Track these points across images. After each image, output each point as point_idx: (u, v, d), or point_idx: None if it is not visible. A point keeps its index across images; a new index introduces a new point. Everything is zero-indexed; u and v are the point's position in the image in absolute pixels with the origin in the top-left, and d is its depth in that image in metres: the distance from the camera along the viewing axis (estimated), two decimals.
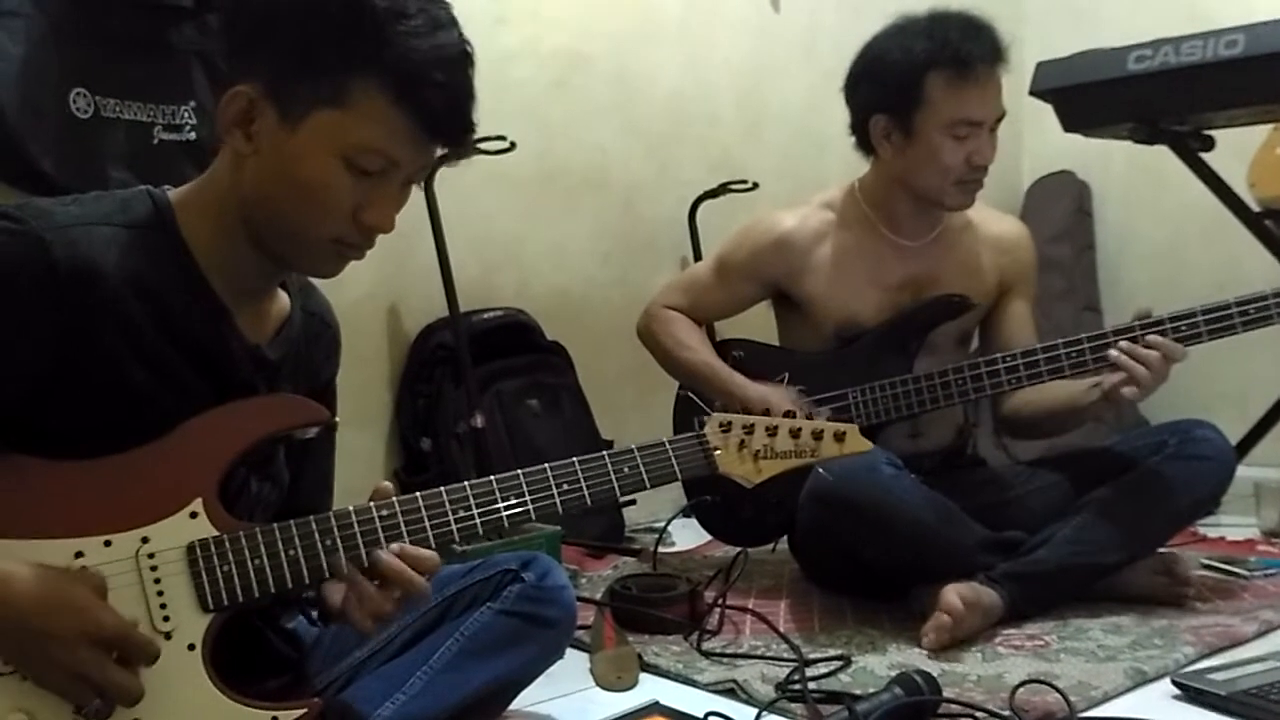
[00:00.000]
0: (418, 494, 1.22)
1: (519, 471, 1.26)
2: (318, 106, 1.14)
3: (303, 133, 1.15)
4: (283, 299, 1.32)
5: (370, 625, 1.18)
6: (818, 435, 1.38)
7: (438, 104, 1.16)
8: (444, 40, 1.16)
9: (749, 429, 1.36)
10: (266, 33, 1.15)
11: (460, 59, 1.18)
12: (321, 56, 1.13)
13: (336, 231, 1.19)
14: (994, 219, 2.29)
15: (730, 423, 1.36)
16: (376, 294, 2.62)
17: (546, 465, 1.27)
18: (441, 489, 1.23)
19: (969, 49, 2.02)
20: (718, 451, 1.35)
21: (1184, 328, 1.96)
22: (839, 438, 1.39)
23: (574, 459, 1.28)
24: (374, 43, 1.12)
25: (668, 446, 1.33)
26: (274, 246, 1.21)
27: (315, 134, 1.14)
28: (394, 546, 1.18)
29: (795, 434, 1.37)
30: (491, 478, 1.25)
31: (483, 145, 2.41)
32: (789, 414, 1.39)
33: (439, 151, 1.21)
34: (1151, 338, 1.93)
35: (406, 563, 1.18)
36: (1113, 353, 1.94)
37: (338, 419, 1.33)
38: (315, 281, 1.39)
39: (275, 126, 1.15)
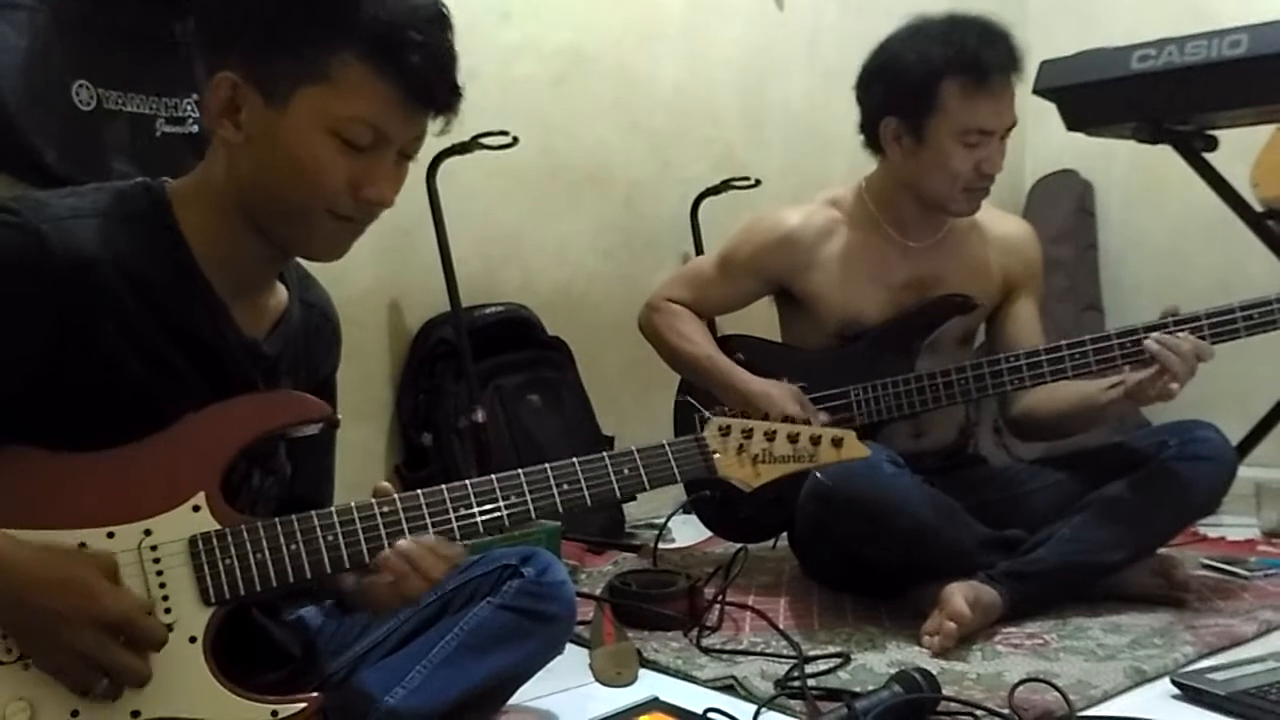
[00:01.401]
0: (419, 492, 1.22)
1: (519, 471, 1.27)
2: (301, 84, 1.14)
3: (290, 113, 1.14)
4: (281, 292, 1.32)
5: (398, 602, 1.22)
6: (816, 440, 1.38)
7: (419, 66, 1.15)
8: (418, 1, 1.16)
9: (748, 433, 1.36)
10: (240, 17, 1.15)
11: (437, 19, 1.18)
12: (297, 33, 1.13)
13: (334, 204, 1.18)
14: (999, 219, 2.28)
15: (729, 426, 1.36)
16: (378, 289, 2.62)
17: (547, 465, 1.28)
18: (443, 487, 1.23)
19: (986, 57, 2.00)
20: (716, 455, 1.35)
21: (1188, 332, 1.95)
22: (836, 443, 1.39)
23: (574, 459, 1.29)
24: (348, 12, 1.12)
25: (667, 449, 1.33)
26: (276, 230, 1.21)
27: (302, 112, 1.14)
28: (426, 538, 1.20)
29: (793, 439, 1.37)
30: (492, 476, 1.25)
31: (485, 140, 2.42)
32: (788, 418, 1.39)
33: (429, 118, 1.21)
34: (1182, 335, 1.92)
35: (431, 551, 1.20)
36: (1150, 344, 1.92)
37: (339, 414, 1.33)
38: (317, 272, 1.38)
39: (262, 110, 1.15)
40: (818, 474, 1.85)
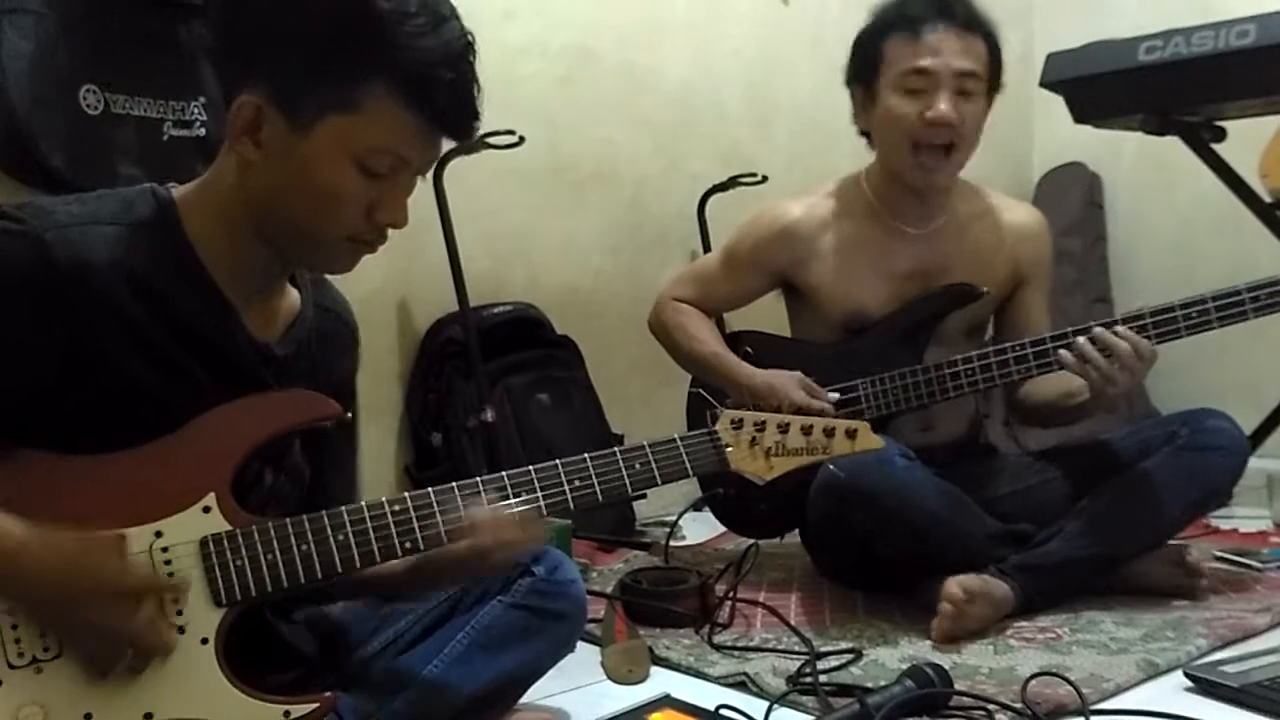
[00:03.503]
0: (429, 489, 1.22)
1: (531, 467, 1.27)
2: (327, 112, 1.14)
3: (313, 138, 1.14)
4: (293, 296, 1.32)
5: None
6: (829, 432, 1.38)
7: (447, 101, 1.16)
8: (448, 35, 1.16)
9: (760, 426, 1.36)
10: (269, 41, 1.14)
11: (464, 51, 1.18)
12: (328, 63, 1.13)
13: (352, 230, 1.19)
14: (1009, 206, 2.26)
15: (742, 420, 1.36)
16: (387, 289, 2.62)
17: (558, 461, 1.28)
18: (453, 484, 1.24)
19: (921, 5, 2.04)
20: (729, 448, 1.35)
21: (1194, 314, 1.94)
22: (850, 435, 1.39)
23: (586, 455, 1.29)
24: (380, 47, 1.12)
25: (679, 443, 1.33)
26: (289, 247, 1.22)
27: (326, 139, 1.14)
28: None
29: (807, 431, 1.37)
30: (504, 473, 1.26)
31: (492, 140, 2.42)
32: (800, 411, 1.39)
33: (447, 143, 1.22)
34: (1123, 333, 1.91)
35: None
36: (1063, 353, 1.93)
37: (354, 415, 1.33)
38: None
39: (284, 133, 1.15)
40: (830, 465, 1.84)
